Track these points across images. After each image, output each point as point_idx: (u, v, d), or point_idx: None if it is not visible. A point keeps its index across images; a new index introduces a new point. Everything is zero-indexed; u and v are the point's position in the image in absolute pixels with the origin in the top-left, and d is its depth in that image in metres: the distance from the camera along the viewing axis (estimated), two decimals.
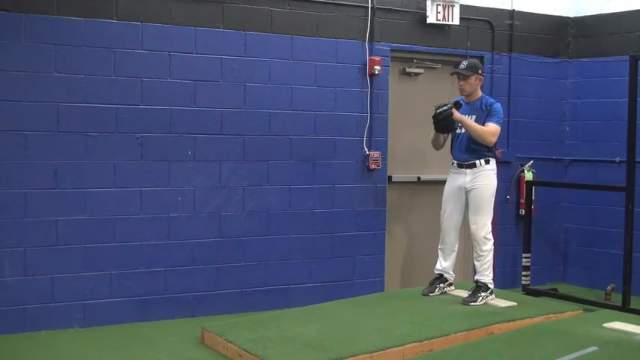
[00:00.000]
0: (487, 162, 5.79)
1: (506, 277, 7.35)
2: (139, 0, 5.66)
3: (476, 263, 5.91)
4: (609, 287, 6.57)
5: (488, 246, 5.85)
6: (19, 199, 5.35)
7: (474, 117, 5.73)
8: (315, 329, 5.07)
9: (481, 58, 7.19)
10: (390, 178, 6.80)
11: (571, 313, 5.79)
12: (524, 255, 6.91)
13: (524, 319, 5.45)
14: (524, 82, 7.43)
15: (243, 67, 6.06)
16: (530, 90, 7.48)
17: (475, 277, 5.92)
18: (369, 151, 6.56)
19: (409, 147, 6.96)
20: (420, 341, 4.87)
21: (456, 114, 5.63)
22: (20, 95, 5.32)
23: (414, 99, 6.98)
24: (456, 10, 6.81)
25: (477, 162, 5.77)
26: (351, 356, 4.56)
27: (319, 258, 6.40)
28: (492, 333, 5.22)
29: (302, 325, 5.06)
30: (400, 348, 4.76)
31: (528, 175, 7.30)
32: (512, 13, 7.31)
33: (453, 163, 5.92)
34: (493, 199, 5.88)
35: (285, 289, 6.26)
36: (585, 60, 7.56)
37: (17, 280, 5.36)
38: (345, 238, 6.54)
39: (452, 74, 5.89)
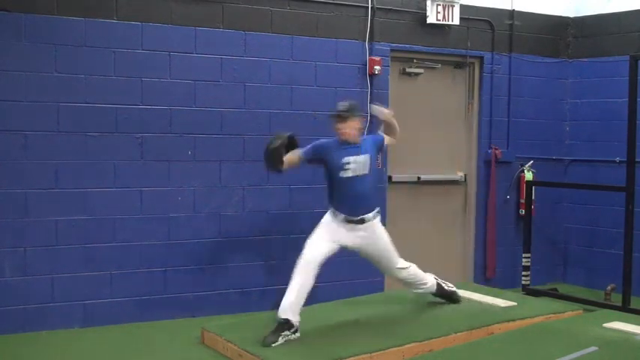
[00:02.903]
0: (376, 215, 5.18)
1: (506, 277, 7.35)
2: (139, 0, 5.66)
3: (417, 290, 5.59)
4: (609, 287, 6.57)
5: (408, 272, 5.46)
6: (19, 199, 5.35)
7: (367, 156, 5.07)
8: (315, 329, 5.07)
9: (481, 58, 7.20)
10: (390, 178, 6.80)
11: (571, 313, 5.79)
12: (524, 255, 6.90)
13: (524, 319, 5.45)
14: (524, 82, 7.42)
15: (243, 67, 6.06)
16: (530, 90, 7.48)
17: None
18: None
19: (409, 147, 6.95)
20: (420, 341, 4.87)
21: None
22: (20, 95, 5.32)
23: (414, 99, 6.98)
24: (456, 10, 6.81)
25: (369, 215, 5.12)
26: (351, 356, 4.57)
27: None
28: (492, 333, 5.21)
29: (302, 325, 5.05)
30: (400, 348, 4.77)
31: (528, 175, 7.30)
32: (512, 13, 7.31)
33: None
34: (389, 242, 5.30)
35: (285, 289, 6.24)
36: (585, 60, 7.56)
37: (17, 280, 5.36)
38: None
39: (337, 116, 5.10)
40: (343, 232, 5.04)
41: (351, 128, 5.03)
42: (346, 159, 4.98)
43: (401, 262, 5.34)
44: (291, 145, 5.09)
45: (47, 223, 5.45)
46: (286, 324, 4.85)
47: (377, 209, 5.15)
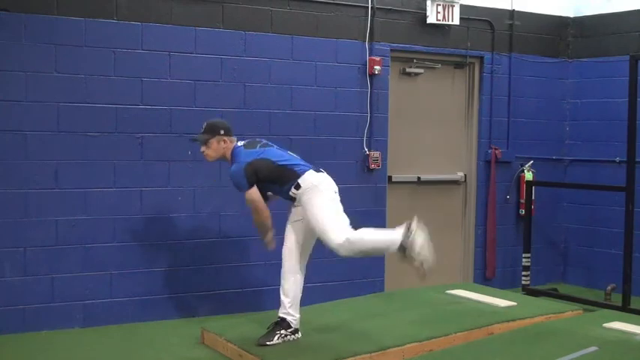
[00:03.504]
0: (297, 187, 4.73)
1: (506, 277, 7.35)
2: (139, 0, 5.66)
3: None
4: (609, 287, 6.57)
5: (349, 246, 4.61)
6: (19, 199, 5.35)
7: None
8: (315, 329, 5.07)
9: (481, 58, 7.20)
10: (390, 178, 6.80)
11: (571, 313, 5.79)
12: (524, 255, 6.90)
13: (524, 319, 5.44)
14: (524, 82, 7.42)
15: (243, 67, 6.06)
16: (530, 90, 7.48)
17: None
18: (369, 151, 6.56)
19: (409, 147, 6.96)
20: (420, 341, 4.87)
21: None
22: (20, 95, 5.32)
23: (414, 99, 6.99)
24: (456, 10, 6.81)
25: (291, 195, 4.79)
26: (351, 356, 4.57)
27: (319, 258, 6.36)
28: (492, 333, 5.21)
29: (302, 325, 5.05)
30: (400, 348, 4.77)
31: (528, 175, 7.30)
32: (512, 13, 7.31)
33: None
34: (326, 207, 4.71)
35: None
36: (585, 60, 7.56)
37: (17, 280, 5.36)
38: None
39: (192, 141, 5.09)
40: (295, 209, 4.85)
41: (210, 150, 4.86)
42: None
43: (338, 239, 4.54)
44: None
45: (47, 223, 5.45)
46: (283, 322, 4.83)
47: (294, 183, 4.69)
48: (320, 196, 4.70)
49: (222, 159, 4.94)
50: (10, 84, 5.29)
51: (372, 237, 4.64)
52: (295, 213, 4.87)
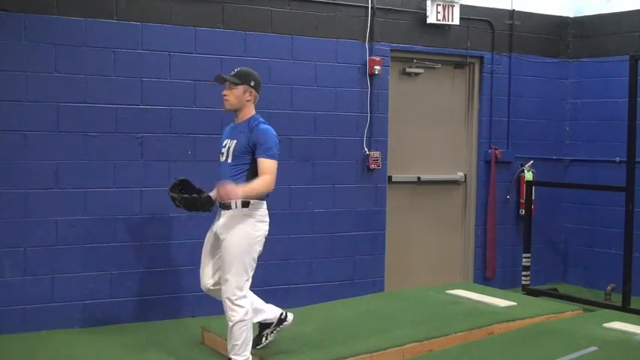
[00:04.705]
0: (245, 204, 4.38)
1: (506, 277, 7.35)
2: (139, 0, 5.66)
3: (228, 335, 4.43)
4: (609, 287, 6.57)
5: (239, 315, 4.36)
6: (19, 199, 5.35)
7: (235, 142, 4.43)
8: (315, 329, 5.07)
9: (481, 58, 7.20)
10: (390, 178, 6.80)
11: (571, 313, 5.79)
12: (524, 255, 6.91)
13: (524, 319, 5.45)
14: (524, 82, 7.43)
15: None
16: (530, 90, 7.48)
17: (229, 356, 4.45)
18: (369, 151, 6.56)
19: (409, 147, 6.96)
20: (420, 341, 4.88)
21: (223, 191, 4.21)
22: (20, 95, 5.32)
23: (414, 99, 6.99)
24: (456, 10, 6.81)
25: (233, 203, 4.39)
26: (351, 356, 4.57)
27: (319, 258, 6.40)
28: (492, 333, 5.22)
29: (302, 325, 5.05)
30: (400, 348, 4.77)
31: (528, 175, 7.30)
32: (512, 13, 7.32)
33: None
34: (249, 253, 4.40)
35: (285, 289, 6.26)
36: (585, 60, 7.56)
37: (17, 280, 5.36)
38: (345, 238, 6.54)
39: (216, 79, 4.55)
40: (219, 217, 4.54)
41: (232, 96, 4.43)
42: (225, 141, 4.51)
43: (237, 297, 4.37)
44: (185, 186, 4.53)
45: (47, 223, 5.44)
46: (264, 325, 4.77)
47: (251, 202, 4.39)
48: (249, 232, 4.41)
49: (236, 112, 4.49)
50: (10, 84, 5.29)
51: (247, 330, 4.40)
52: (218, 225, 4.51)
